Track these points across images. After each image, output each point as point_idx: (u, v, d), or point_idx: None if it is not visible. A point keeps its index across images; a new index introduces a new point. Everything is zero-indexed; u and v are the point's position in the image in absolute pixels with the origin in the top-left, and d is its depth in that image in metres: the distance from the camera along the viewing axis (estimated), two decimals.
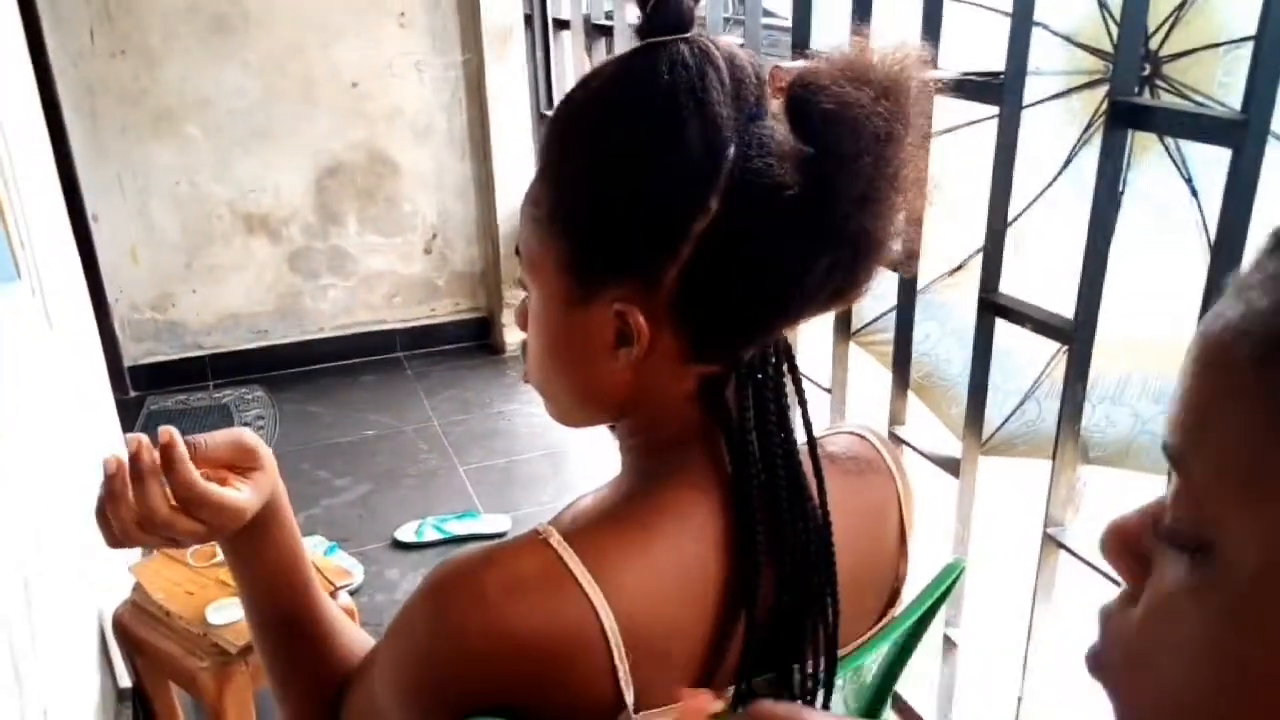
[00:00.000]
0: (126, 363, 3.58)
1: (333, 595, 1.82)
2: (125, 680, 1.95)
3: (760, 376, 0.68)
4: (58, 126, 3.17)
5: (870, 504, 0.78)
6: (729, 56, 0.63)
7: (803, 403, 0.71)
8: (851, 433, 0.80)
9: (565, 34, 3.43)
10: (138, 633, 1.82)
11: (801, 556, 0.68)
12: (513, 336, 3.96)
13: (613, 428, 0.74)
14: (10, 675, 1.31)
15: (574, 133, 0.66)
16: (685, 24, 0.64)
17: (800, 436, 0.71)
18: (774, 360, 0.68)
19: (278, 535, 0.77)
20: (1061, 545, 1.51)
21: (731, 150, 0.60)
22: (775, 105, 0.63)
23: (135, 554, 2.35)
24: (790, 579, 0.68)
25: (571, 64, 3.41)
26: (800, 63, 0.65)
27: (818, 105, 0.60)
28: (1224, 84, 1.43)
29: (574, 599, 0.61)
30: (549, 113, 3.66)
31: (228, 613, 1.74)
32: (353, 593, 1.89)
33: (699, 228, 0.61)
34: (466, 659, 0.62)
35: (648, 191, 0.62)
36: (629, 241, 0.63)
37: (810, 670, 0.71)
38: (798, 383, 0.71)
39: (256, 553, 0.77)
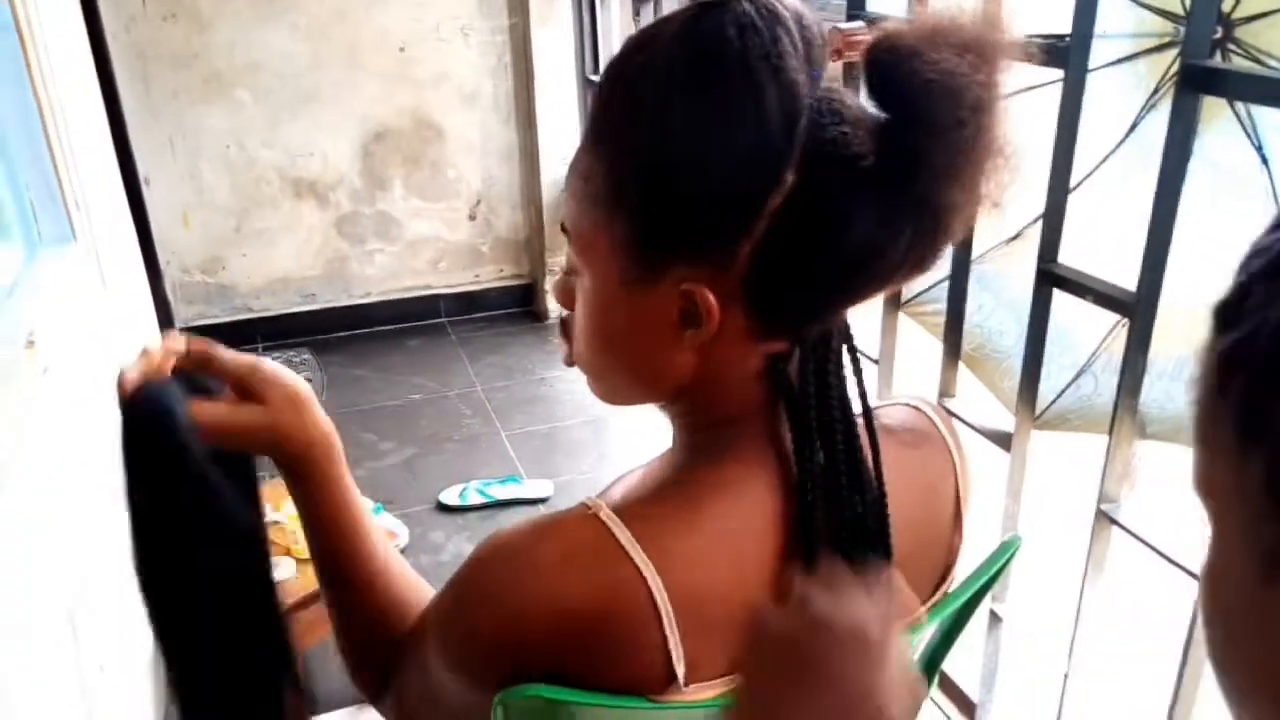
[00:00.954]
0: (178, 324, 3.63)
1: None
2: None
3: (832, 350, 0.66)
4: (110, 90, 3.19)
5: (927, 477, 0.76)
6: (797, 16, 0.59)
7: (859, 377, 0.69)
8: (907, 404, 0.78)
9: None
10: None
11: (858, 532, 0.67)
12: (555, 304, 3.96)
13: (663, 406, 0.72)
14: (69, 632, 1.35)
15: (636, 100, 0.60)
16: None
17: (856, 408, 0.69)
18: (834, 335, 0.66)
19: (317, 477, 0.75)
20: (1115, 522, 1.48)
21: (804, 119, 0.58)
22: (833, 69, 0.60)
23: None
24: (847, 555, 0.67)
25: (618, 28, 3.38)
26: (862, 25, 0.62)
27: (911, 72, 0.56)
28: None
29: (625, 571, 0.60)
30: (595, 78, 3.63)
31: (279, 571, 1.76)
32: (401, 551, 1.90)
33: (775, 202, 0.58)
34: (519, 630, 0.62)
35: (721, 165, 0.58)
36: (700, 219, 0.59)
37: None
38: (855, 358, 0.69)
39: (303, 491, 0.76)
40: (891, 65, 0.57)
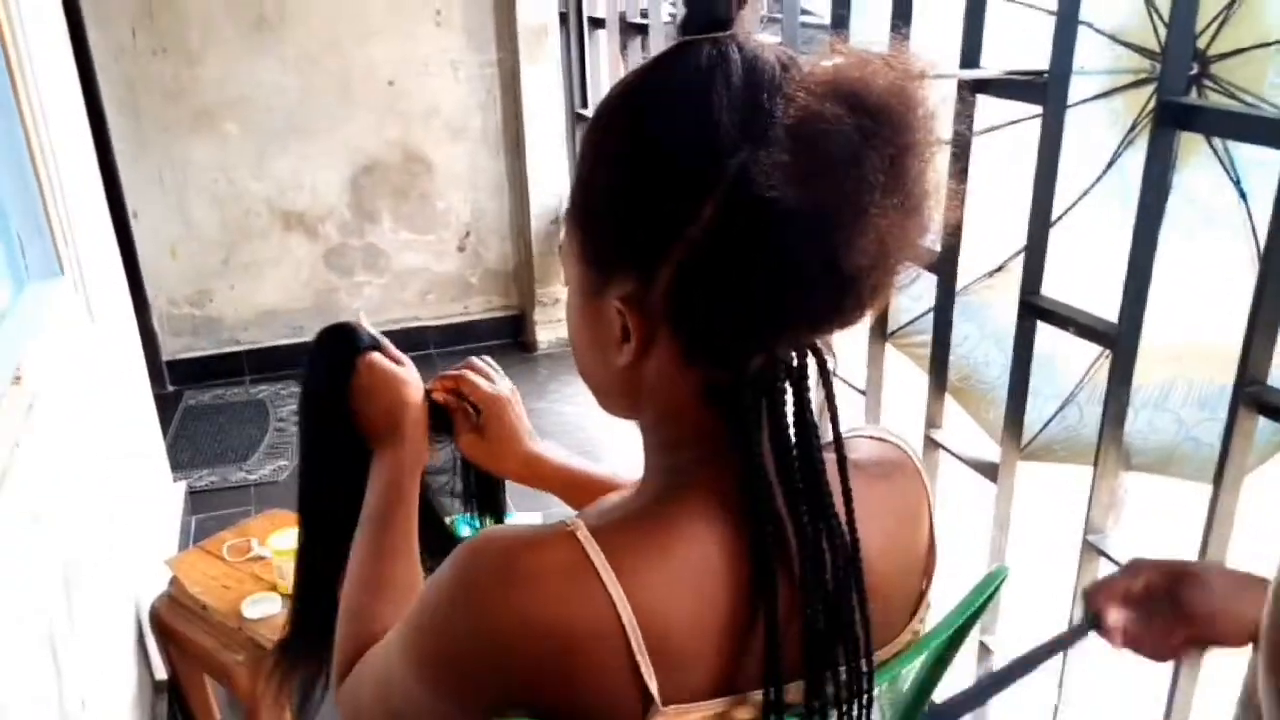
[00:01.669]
0: (165, 357, 3.63)
1: None
2: (161, 673, 1.98)
3: (777, 385, 0.66)
4: (100, 124, 3.21)
5: (902, 507, 0.77)
6: (750, 60, 0.62)
7: (833, 412, 0.70)
8: (871, 437, 0.79)
9: (600, 32, 3.43)
10: (174, 626, 1.84)
11: (821, 565, 0.67)
12: (544, 335, 3.96)
13: (639, 426, 0.75)
14: (50, 666, 1.33)
15: (592, 128, 0.67)
16: (720, 22, 0.64)
17: (830, 439, 0.70)
18: (796, 369, 0.66)
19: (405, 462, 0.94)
20: (1102, 553, 1.48)
21: (737, 158, 0.59)
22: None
23: (171, 548, 2.38)
24: (814, 587, 0.67)
25: (606, 62, 3.41)
26: (818, 66, 0.63)
27: (799, 123, 0.58)
28: (1275, 84, 1.39)
29: (595, 592, 0.61)
30: (583, 111, 3.66)
31: (263, 607, 1.75)
32: None
33: (692, 231, 0.60)
34: (486, 635, 0.62)
35: (639, 190, 0.63)
36: (623, 238, 0.65)
37: (844, 678, 0.70)
38: (829, 392, 0.69)
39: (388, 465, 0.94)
40: (796, 116, 0.59)
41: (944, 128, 0.61)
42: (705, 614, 0.65)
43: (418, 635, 0.68)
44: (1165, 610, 0.73)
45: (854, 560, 0.69)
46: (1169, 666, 1.38)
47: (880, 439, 0.79)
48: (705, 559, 0.65)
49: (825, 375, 0.69)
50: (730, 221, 0.60)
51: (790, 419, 0.66)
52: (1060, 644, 0.75)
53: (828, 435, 0.70)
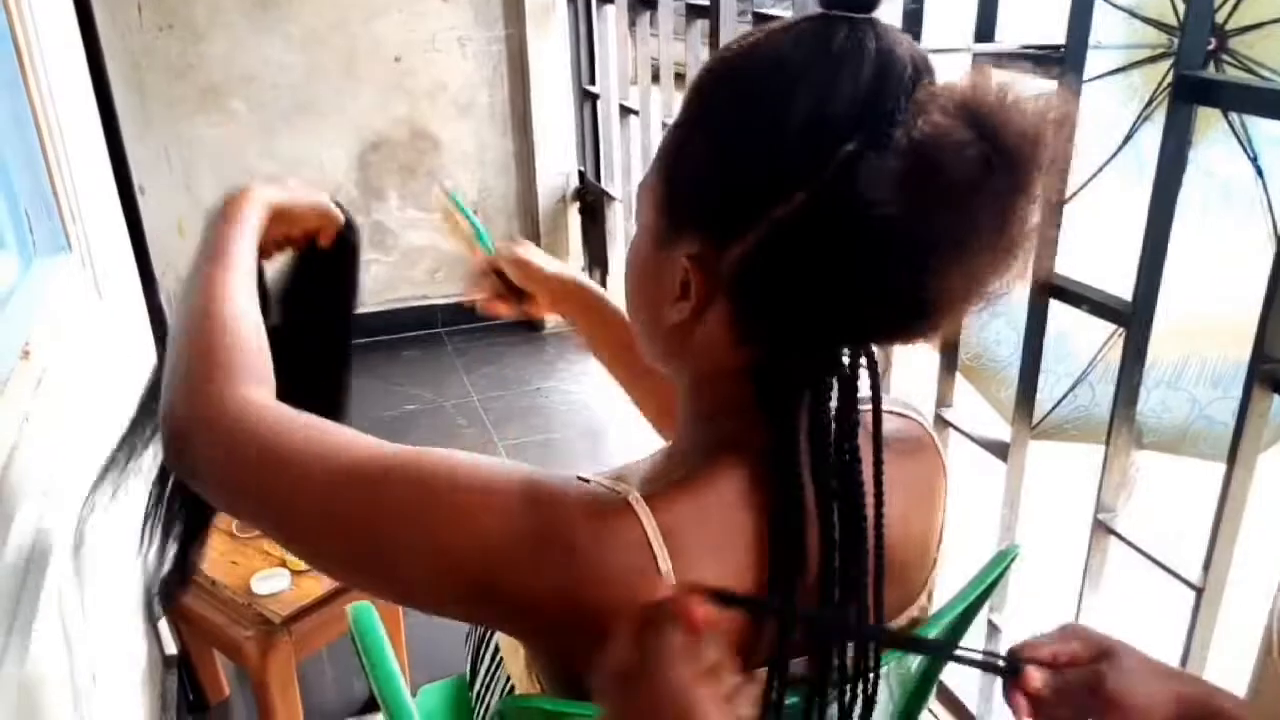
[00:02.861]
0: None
1: None
2: (171, 648, 1.99)
3: (824, 381, 0.65)
4: (106, 101, 3.19)
5: (923, 484, 0.78)
6: (885, 54, 0.59)
7: (877, 418, 0.69)
8: (896, 412, 0.79)
9: (609, 8, 3.40)
10: (184, 602, 1.85)
11: (846, 562, 0.68)
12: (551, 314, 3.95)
13: (678, 384, 0.74)
14: (60, 640, 1.34)
15: (701, 83, 0.65)
16: (863, 4, 0.61)
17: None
18: (849, 370, 0.66)
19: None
20: (1113, 532, 1.48)
21: (846, 151, 0.57)
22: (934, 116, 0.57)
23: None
24: (837, 571, 0.68)
25: (614, 38, 3.38)
26: (955, 82, 0.60)
27: (926, 139, 0.56)
28: None
29: (646, 564, 0.62)
30: (591, 88, 3.64)
31: (272, 583, 1.76)
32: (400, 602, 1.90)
33: (779, 213, 0.59)
34: (525, 585, 0.62)
35: (738, 157, 0.61)
36: (709, 199, 0.63)
37: (852, 656, 0.71)
38: (876, 398, 0.68)
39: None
40: (929, 137, 0.56)
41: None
42: (738, 587, 0.65)
43: (445, 471, 0.64)
44: (1080, 684, 0.72)
45: (879, 555, 0.69)
46: None
47: (903, 415, 0.79)
48: (738, 535, 0.66)
49: (875, 382, 0.68)
50: (822, 212, 0.58)
51: (833, 416, 0.66)
52: (979, 664, 0.75)
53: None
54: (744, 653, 0.67)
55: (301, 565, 1.79)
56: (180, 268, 3.82)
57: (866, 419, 0.69)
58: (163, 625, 1.98)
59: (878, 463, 0.68)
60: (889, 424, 0.76)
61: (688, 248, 0.64)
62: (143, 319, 2.54)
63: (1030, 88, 0.59)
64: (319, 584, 1.76)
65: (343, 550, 0.66)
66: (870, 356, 0.67)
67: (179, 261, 3.57)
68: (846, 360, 0.66)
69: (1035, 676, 0.71)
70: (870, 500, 0.68)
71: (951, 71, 0.60)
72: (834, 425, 0.66)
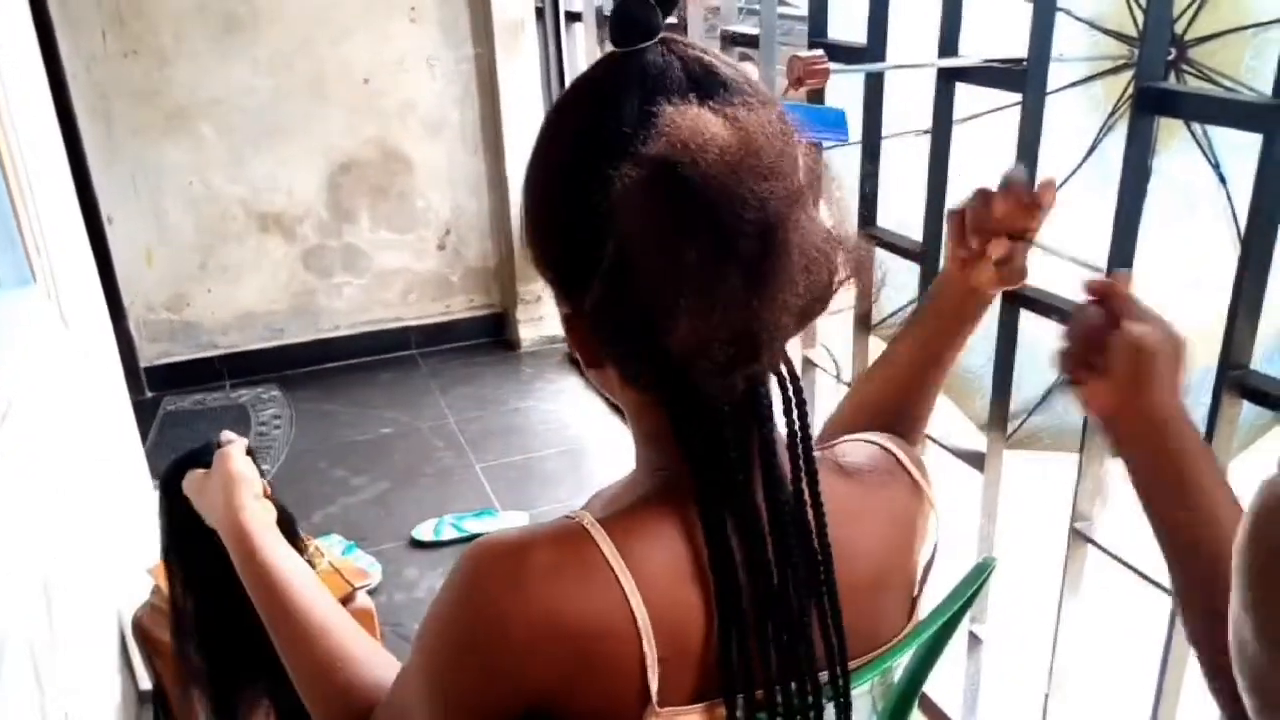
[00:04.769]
0: (142, 363, 3.58)
1: (351, 596, 1.82)
2: (146, 683, 1.95)
3: (711, 410, 0.65)
4: (71, 129, 3.17)
5: (894, 513, 0.77)
6: (656, 76, 0.62)
7: (804, 424, 0.68)
8: (872, 442, 0.79)
9: (578, 26, 3.41)
10: (157, 634, 1.82)
11: (781, 591, 0.67)
12: (527, 333, 3.95)
13: None
14: (31, 678, 1.31)
15: (531, 151, 0.69)
16: (645, 32, 0.64)
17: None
18: (747, 394, 0.65)
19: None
20: (1089, 540, 1.49)
21: (618, 185, 0.58)
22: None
23: (153, 556, 2.35)
24: (776, 593, 0.66)
25: (584, 57, 3.39)
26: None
27: (620, 201, 0.59)
28: (1251, 68, 1.40)
29: (609, 586, 0.61)
30: None
31: None
32: (371, 592, 1.88)
33: (602, 268, 0.61)
34: (504, 643, 0.61)
35: (549, 214, 0.66)
36: (555, 263, 0.67)
37: (818, 681, 0.70)
38: (801, 409, 0.68)
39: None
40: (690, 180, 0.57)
41: (802, 182, 0.59)
42: (695, 615, 0.65)
43: (438, 664, 0.66)
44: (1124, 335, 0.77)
45: (827, 564, 0.68)
46: (1158, 655, 1.39)
47: (880, 446, 0.79)
48: (694, 561, 0.65)
49: (797, 392, 0.67)
50: (627, 252, 0.59)
51: (736, 439, 0.65)
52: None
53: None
54: (709, 681, 0.66)
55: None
56: (149, 296, 3.78)
57: (826, 452, 0.70)
58: (136, 660, 1.94)
59: (813, 488, 0.67)
60: (862, 452, 0.76)
61: (562, 307, 0.69)
62: (111, 349, 2.51)
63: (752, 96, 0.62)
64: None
65: None
66: (791, 370, 0.66)
67: (148, 289, 3.55)
68: (747, 385, 0.65)
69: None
70: (811, 526, 0.67)
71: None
72: (758, 449, 0.66)
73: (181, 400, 3.56)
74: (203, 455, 1.01)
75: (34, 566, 1.44)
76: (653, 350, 0.61)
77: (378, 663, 0.81)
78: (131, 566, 2.06)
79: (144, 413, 3.29)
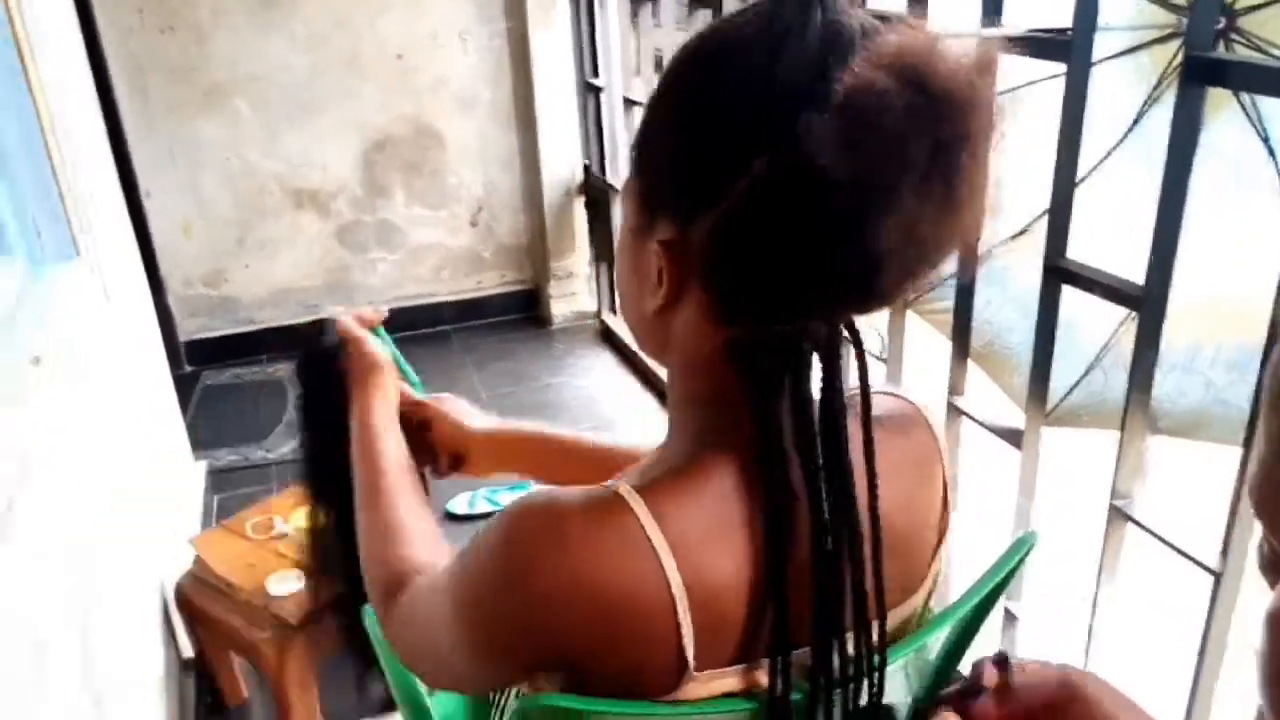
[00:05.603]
0: (181, 338, 3.63)
1: None
2: (188, 651, 1.99)
3: (801, 355, 0.65)
4: (110, 105, 3.20)
5: (916, 461, 0.77)
6: (831, 24, 0.60)
7: (864, 380, 0.68)
8: (886, 393, 0.79)
9: (610, 0, 3.38)
10: (199, 604, 1.86)
11: (836, 538, 0.67)
12: (559, 309, 3.95)
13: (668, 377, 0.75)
14: (79, 646, 1.34)
15: (669, 66, 0.66)
16: None
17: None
18: (826, 342, 0.66)
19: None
20: (1129, 518, 1.47)
21: (794, 121, 0.57)
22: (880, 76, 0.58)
23: (194, 528, 2.39)
24: (823, 559, 0.67)
25: (616, 30, 3.37)
26: (887, 38, 0.60)
27: (850, 91, 0.56)
28: None
29: (645, 556, 0.62)
30: (594, 80, 3.63)
31: (288, 584, 1.76)
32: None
33: (736, 187, 0.59)
34: (536, 600, 0.63)
35: (694, 137, 0.63)
36: (672, 181, 0.65)
37: (857, 645, 0.70)
38: (863, 371, 0.68)
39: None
40: (856, 100, 0.57)
41: (1004, 125, 0.59)
42: (739, 576, 0.65)
43: (465, 599, 0.68)
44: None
45: (875, 530, 0.69)
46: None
47: (894, 395, 0.79)
48: (739, 520, 0.66)
49: (860, 353, 0.67)
50: (774, 183, 0.58)
51: (816, 391, 0.66)
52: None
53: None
54: (749, 643, 0.67)
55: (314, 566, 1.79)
56: (187, 271, 3.82)
57: (856, 401, 0.69)
58: (179, 629, 1.98)
59: (868, 440, 0.68)
60: (879, 404, 0.76)
61: (660, 234, 0.66)
62: (151, 323, 2.54)
63: (973, 39, 0.60)
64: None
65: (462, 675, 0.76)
66: (854, 332, 0.67)
67: (186, 264, 3.59)
68: (825, 337, 0.66)
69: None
70: (863, 481, 0.68)
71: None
72: (819, 406, 0.66)
73: (220, 374, 3.61)
74: (325, 342, 1.06)
75: (80, 537, 1.47)
76: (776, 279, 0.60)
77: (436, 550, 0.86)
78: (175, 537, 2.10)
79: (183, 387, 3.34)
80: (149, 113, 3.37)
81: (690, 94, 0.64)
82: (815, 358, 0.66)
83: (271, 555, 1.85)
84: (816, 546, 0.67)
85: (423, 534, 0.88)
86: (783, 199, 0.58)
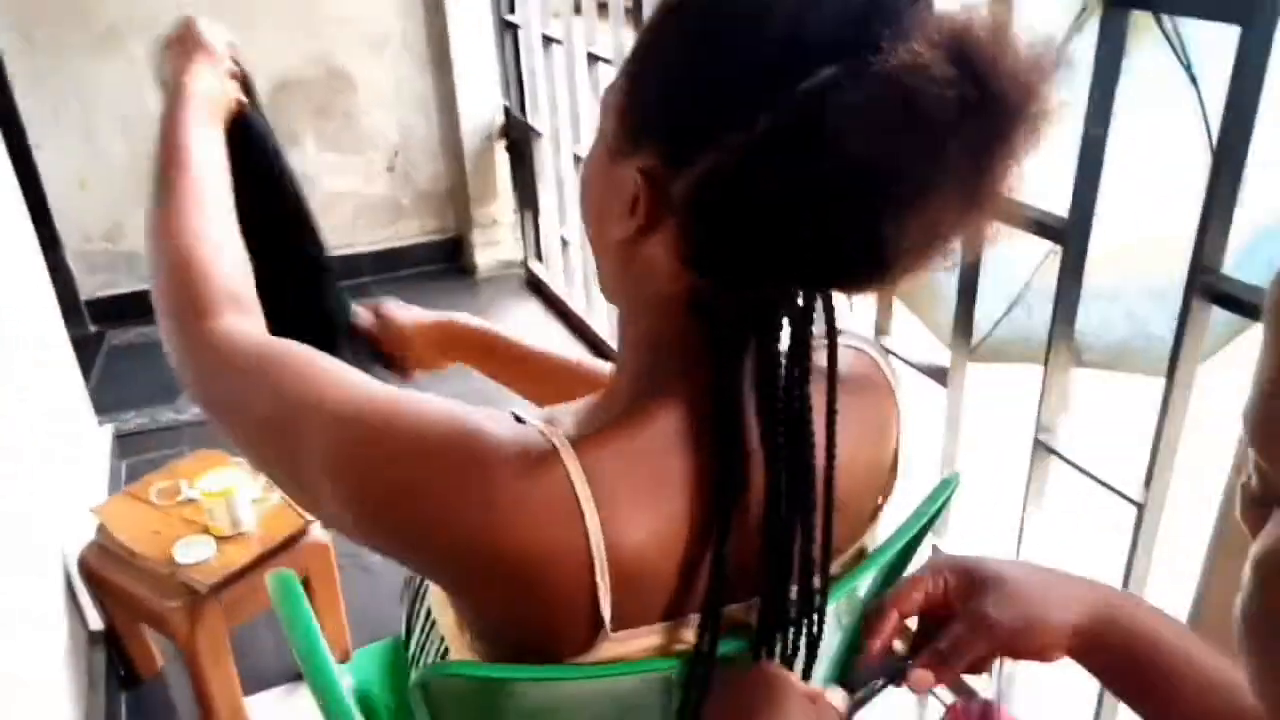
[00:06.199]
0: (83, 296, 3.46)
1: (304, 529, 1.77)
2: (96, 623, 1.91)
3: (772, 320, 0.62)
4: None
5: (873, 421, 0.75)
6: None
7: (832, 352, 0.65)
8: (851, 346, 0.76)
9: None
10: (104, 574, 1.77)
11: (791, 500, 0.65)
12: (484, 258, 3.85)
13: (620, 319, 0.71)
14: None
15: None
16: None
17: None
18: (800, 310, 0.62)
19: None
20: (1053, 451, 1.47)
21: (819, 76, 0.52)
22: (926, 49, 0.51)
23: (101, 495, 2.29)
24: (777, 520, 0.65)
25: None
26: (951, 12, 0.54)
27: (902, 68, 0.50)
28: None
29: (570, 517, 0.59)
30: (510, 18, 3.50)
31: (195, 551, 1.68)
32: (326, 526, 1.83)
33: (742, 134, 0.53)
34: (444, 544, 0.60)
35: (704, 71, 0.57)
36: (669, 111, 0.59)
37: (796, 597, 0.69)
38: (831, 333, 0.64)
39: None
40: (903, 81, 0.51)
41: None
42: (667, 535, 0.63)
43: (354, 454, 0.61)
44: (970, 633, 0.69)
45: (828, 494, 0.67)
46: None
47: (857, 349, 0.76)
48: (674, 477, 0.63)
49: (831, 327, 0.63)
50: (785, 139, 0.52)
51: (782, 356, 0.62)
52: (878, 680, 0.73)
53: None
54: (685, 598, 0.65)
55: (226, 531, 1.72)
56: (86, 226, 3.63)
57: (820, 357, 0.65)
58: (85, 600, 1.89)
59: (830, 410, 0.65)
60: (842, 358, 0.72)
61: (642, 161, 0.60)
62: (44, 282, 2.40)
63: (1038, 38, 0.53)
64: (245, 550, 1.69)
65: (282, 481, 0.68)
66: (827, 300, 0.62)
67: (85, 220, 3.40)
68: (800, 300, 0.62)
69: (924, 677, 0.69)
70: (820, 442, 0.65)
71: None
72: (783, 368, 0.62)
73: (126, 333, 3.44)
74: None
75: None
76: (766, 243, 0.55)
77: (238, 274, 0.80)
78: (78, 505, 2.00)
79: (87, 347, 3.18)
80: (37, 60, 3.16)
81: (706, 23, 0.58)
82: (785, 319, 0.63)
83: (178, 521, 1.77)
84: (770, 510, 0.64)
85: (236, 253, 0.81)
86: (792, 162, 0.52)
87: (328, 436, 0.61)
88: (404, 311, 1.06)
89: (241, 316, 0.75)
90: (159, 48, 0.97)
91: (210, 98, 0.93)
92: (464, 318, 1.07)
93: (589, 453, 0.60)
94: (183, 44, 0.97)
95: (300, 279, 1.05)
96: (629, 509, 0.61)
